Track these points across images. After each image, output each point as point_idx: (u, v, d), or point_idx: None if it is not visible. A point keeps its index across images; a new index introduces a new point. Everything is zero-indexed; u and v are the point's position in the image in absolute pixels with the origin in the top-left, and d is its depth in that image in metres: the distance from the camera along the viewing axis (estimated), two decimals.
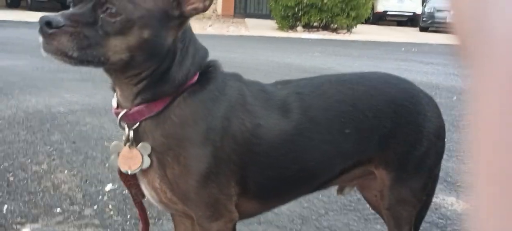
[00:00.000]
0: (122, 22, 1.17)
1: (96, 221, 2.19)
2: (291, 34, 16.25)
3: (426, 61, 9.67)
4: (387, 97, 1.49)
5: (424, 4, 21.94)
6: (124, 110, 1.28)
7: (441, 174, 2.89)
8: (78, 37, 1.15)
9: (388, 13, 24.41)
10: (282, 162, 1.39)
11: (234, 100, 1.34)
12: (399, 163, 1.51)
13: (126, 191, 2.53)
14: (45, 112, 3.98)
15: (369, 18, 20.58)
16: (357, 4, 16.93)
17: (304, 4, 16.41)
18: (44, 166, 2.79)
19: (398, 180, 1.52)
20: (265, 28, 16.81)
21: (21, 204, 2.31)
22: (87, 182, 2.61)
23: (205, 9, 1.26)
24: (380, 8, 24.32)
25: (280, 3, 16.66)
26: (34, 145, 3.14)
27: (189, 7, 1.24)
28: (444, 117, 4.05)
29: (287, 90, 1.43)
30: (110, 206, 2.35)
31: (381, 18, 24.67)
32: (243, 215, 1.43)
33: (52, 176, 2.65)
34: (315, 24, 17.16)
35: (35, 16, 9.26)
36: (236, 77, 1.40)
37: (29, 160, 2.86)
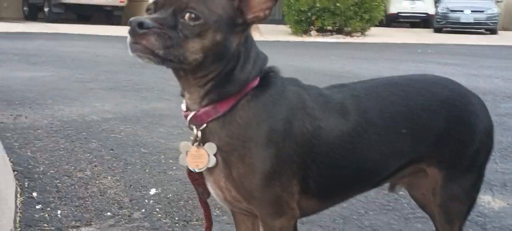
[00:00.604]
0: (200, 26, 1.27)
1: (146, 224, 2.28)
2: (305, 38, 16.32)
3: (443, 62, 9.68)
4: (440, 97, 1.57)
5: (437, 5, 21.88)
6: (193, 112, 1.37)
7: None
8: (164, 38, 1.24)
9: (401, 14, 24.35)
10: (341, 162, 1.46)
11: (294, 104, 1.41)
12: (451, 161, 1.58)
13: (170, 195, 2.62)
14: (79, 121, 4.09)
15: (382, 20, 20.57)
16: (370, 7, 16.95)
17: (317, 8, 16.47)
18: (88, 172, 2.89)
19: (451, 177, 1.59)
20: (279, 33, 16.88)
21: (72, 208, 2.40)
22: (132, 187, 2.71)
23: (265, 17, 1.36)
24: (392, 10, 24.26)
25: (293, 7, 16.74)
26: (75, 153, 3.24)
27: (251, 15, 1.34)
28: None
29: (343, 94, 1.51)
30: (157, 209, 2.44)
31: (394, 20, 24.61)
32: (303, 213, 1.51)
33: (97, 182, 2.75)
34: (328, 28, 17.19)
35: (52, 28, 9.56)
36: (295, 82, 1.48)
37: (73, 167, 2.96)
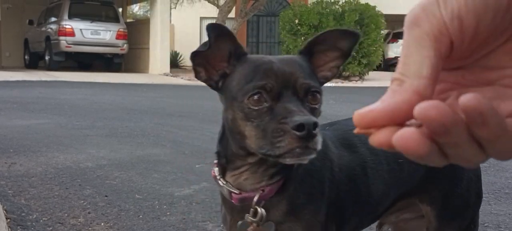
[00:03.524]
0: (319, 105, 1.21)
1: None
2: None
3: None
4: None
5: None
6: (258, 194, 1.28)
7: None
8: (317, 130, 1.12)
9: (399, 59, 24.66)
10: (360, 195, 1.47)
11: (327, 146, 1.38)
12: (442, 199, 1.58)
13: None
14: (74, 168, 4.10)
15: (380, 65, 20.85)
16: (368, 52, 17.19)
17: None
18: (81, 219, 2.88)
19: (444, 218, 1.59)
20: None
21: None
22: None
23: (333, 76, 1.32)
24: (390, 54, 24.66)
25: (292, 54, 16.97)
26: (69, 200, 3.24)
27: (323, 74, 1.31)
28: None
29: (341, 129, 1.53)
30: None
31: (392, 65, 24.92)
32: None
33: (90, 229, 2.74)
34: None
35: (52, 76, 9.66)
36: None
37: (66, 214, 2.95)
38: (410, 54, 0.53)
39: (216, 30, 1.21)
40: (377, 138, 0.52)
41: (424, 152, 0.48)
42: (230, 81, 1.24)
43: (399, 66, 0.54)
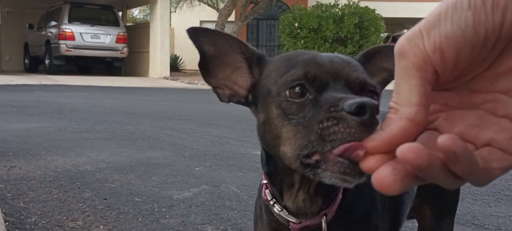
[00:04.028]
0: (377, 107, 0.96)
1: None
2: None
3: None
4: None
5: None
6: (323, 219, 1.10)
7: (468, 217, 2.94)
8: None
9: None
10: (409, 195, 1.40)
11: None
12: (439, 196, 1.60)
13: None
14: (73, 171, 4.09)
15: None
16: None
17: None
18: (80, 222, 2.87)
19: (439, 216, 1.60)
20: None
21: None
22: None
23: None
24: None
25: None
26: (68, 203, 3.23)
27: None
28: None
29: None
30: None
31: None
32: None
33: None
34: None
35: (52, 79, 9.68)
36: None
37: (65, 217, 2.95)
38: (400, 84, 0.59)
39: (190, 33, 1.07)
40: (366, 166, 0.61)
41: (397, 190, 0.56)
42: (261, 85, 1.04)
43: (393, 95, 0.61)
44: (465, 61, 0.56)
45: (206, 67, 1.09)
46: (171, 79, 18.22)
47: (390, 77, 1.12)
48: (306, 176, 0.95)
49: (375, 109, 0.76)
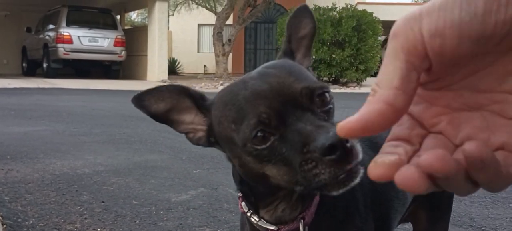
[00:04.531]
0: (333, 104, 1.00)
1: None
2: None
3: None
4: None
5: None
6: (301, 223, 1.12)
7: (465, 219, 2.94)
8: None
9: None
10: (399, 200, 1.37)
11: None
12: (436, 200, 1.60)
13: None
14: (71, 174, 4.09)
15: (377, 71, 20.87)
16: (365, 58, 17.24)
17: (314, 60, 16.73)
18: (78, 225, 2.87)
19: (435, 220, 1.60)
20: None
21: None
22: None
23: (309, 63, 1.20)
24: None
25: None
26: (65, 206, 3.23)
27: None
28: None
29: None
30: None
31: None
32: None
33: None
34: (325, 78, 17.42)
35: (49, 83, 9.66)
36: None
37: (63, 220, 2.95)
38: (386, 64, 0.55)
39: (135, 103, 1.12)
40: (375, 173, 0.54)
41: (422, 190, 0.51)
42: (216, 131, 1.07)
43: (377, 76, 0.56)
44: (466, 53, 0.52)
45: (169, 121, 1.12)
46: (169, 83, 18.21)
47: (309, 41, 1.17)
48: (289, 193, 1.04)
49: (343, 142, 0.83)
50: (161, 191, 3.62)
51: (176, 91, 1.11)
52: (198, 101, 1.11)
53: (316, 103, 0.96)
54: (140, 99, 1.11)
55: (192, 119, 1.12)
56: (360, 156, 0.87)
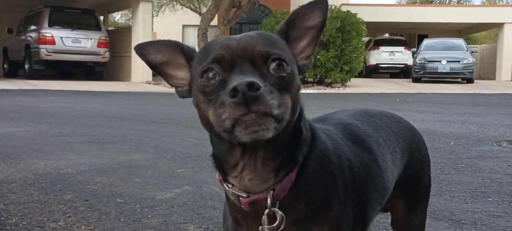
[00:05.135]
0: (289, 76, 1.06)
1: None
2: None
3: (421, 110, 9.87)
4: (405, 125, 1.64)
5: (415, 56, 22.47)
6: (269, 193, 1.13)
7: (445, 213, 2.99)
8: (272, 95, 1.00)
9: (380, 66, 24.99)
10: (378, 191, 1.39)
11: (339, 144, 1.29)
12: (413, 190, 1.63)
13: None
14: (54, 174, 4.06)
15: (362, 71, 21.06)
16: (349, 59, 17.35)
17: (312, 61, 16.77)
18: (61, 223, 2.86)
19: (411, 209, 1.64)
20: None
21: None
22: None
23: (307, 67, 1.22)
24: (372, 61, 24.91)
25: None
26: (49, 204, 3.21)
27: (301, 62, 1.20)
28: (444, 161, 4.27)
29: (341, 124, 1.44)
30: None
31: (373, 71, 25.22)
32: None
33: None
34: (309, 79, 17.51)
35: (32, 84, 9.59)
36: (313, 123, 1.29)
37: (46, 218, 2.93)
38: None
39: (137, 50, 1.24)
40: None
41: None
42: (191, 77, 1.17)
43: None
44: None
45: (163, 74, 1.24)
46: (154, 84, 18.14)
47: (316, 33, 1.19)
48: (247, 154, 1.09)
49: (246, 86, 0.94)
50: (146, 189, 3.62)
51: (172, 46, 1.22)
52: (189, 56, 1.19)
53: (271, 67, 1.04)
54: (142, 47, 1.24)
55: (184, 75, 1.21)
56: (270, 108, 0.96)
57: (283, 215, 1.14)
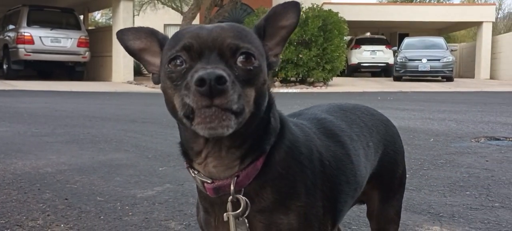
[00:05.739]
0: (255, 69, 1.07)
1: None
2: None
3: (402, 108, 9.97)
4: (379, 118, 1.65)
5: (396, 55, 22.68)
6: (233, 180, 1.14)
7: (424, 206, 3.03)
8: (235, 89, 1.01)
9: (362, 64, 25.18)
10: (350, 185, 1.39)
11: (311, 137, 1.31)
12: (387, 181, 1.65)
13: None
14: (33, 173, 4.01)
15: (344, 70, 21.18)
16: (331, 58, 17.44)
17: (281, 60, 16.80)
18: (40, 222, 2.83)
19: (386, 200, 1.66)
20: None
21: None
22: None
23: (276, 64, 1.23)
24: (354, 60, 25.08)
25: None
26: (27, 203, 3.17)
27: (270, 59, 1.21)
28: (424, 157, 4.33)
29: (315, 119, 1.45)
30: None
31: (355, 70, 25.39)
32: None
33: (49, 230, 2.69)
34: (292, 78, 17.56)
35: (10, 85, 9.43)
36: (284, 115, 1.32)
37: (25, 217, 2.90)
38: None
39: (117, 35, 1.26)
40: None
41: None
42: (161, 63, 1.20)
43: None
44: None
45: (142, 60, 1.26)
46: (135, 84, 18.02)
47: (287, 34, 1.21)
48: (210, 143, 1.11)
49: (215, 79, 0.95)
50: (127, 187, 3.60)
51: (149, 33, 1.24)
52: (162, 44, 1.21)
53: (238, 60, 1.06)
54: (122, 33, 1.26)
55: (158, 62, 1.22)
56: (230, 104, 0.98)
57: (247, 201, 1.16)
